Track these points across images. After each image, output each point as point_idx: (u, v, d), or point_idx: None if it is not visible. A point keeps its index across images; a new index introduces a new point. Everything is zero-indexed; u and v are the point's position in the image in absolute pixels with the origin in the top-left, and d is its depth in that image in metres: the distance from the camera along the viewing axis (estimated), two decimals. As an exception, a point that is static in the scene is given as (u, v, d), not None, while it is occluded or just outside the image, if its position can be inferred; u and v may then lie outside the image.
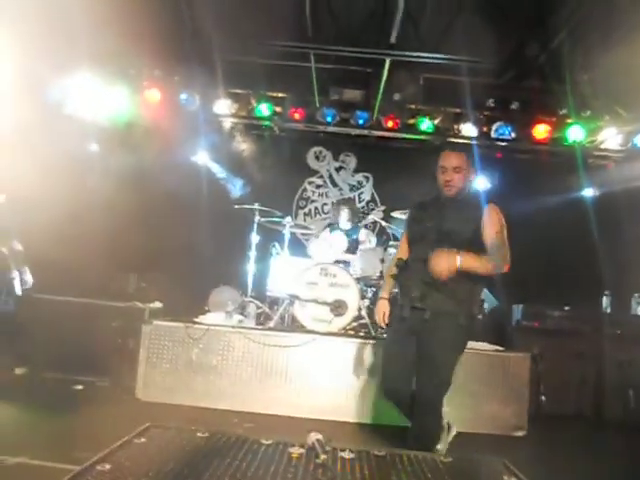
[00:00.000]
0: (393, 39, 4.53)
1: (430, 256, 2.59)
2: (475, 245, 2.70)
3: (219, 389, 3.77)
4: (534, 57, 4.85)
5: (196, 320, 4.12)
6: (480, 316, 4.36)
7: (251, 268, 4.98)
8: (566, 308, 4.66)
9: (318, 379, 3.78)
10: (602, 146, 5.75)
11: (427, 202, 2.96)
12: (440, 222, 2.77)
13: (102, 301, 4.44)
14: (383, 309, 2.92)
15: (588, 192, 6.10)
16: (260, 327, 4.22)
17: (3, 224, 4.27)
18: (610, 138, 5.65)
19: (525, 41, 4.74)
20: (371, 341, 3.84)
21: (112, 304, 4.43)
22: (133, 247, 5.54)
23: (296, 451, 1.71)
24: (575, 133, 5.57)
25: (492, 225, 2.78)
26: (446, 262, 2.56)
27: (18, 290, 4.22)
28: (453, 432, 2.86)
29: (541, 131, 5.62)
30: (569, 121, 5.57)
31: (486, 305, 4.37)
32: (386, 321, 2.89)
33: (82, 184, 5.55)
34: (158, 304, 4.60)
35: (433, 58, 4.93)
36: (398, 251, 3.01)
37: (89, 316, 4.30)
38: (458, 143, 5.78)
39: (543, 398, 4.21)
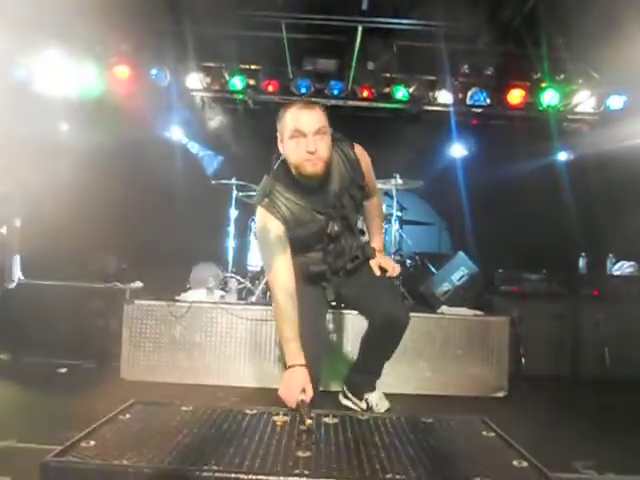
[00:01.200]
0: (365, 6, 4.47)
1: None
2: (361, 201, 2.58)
3: (204, 365, 3.79)
4: (508, 21, 4.82)
5: (178, 298, 4.11)
6: (460, 282, 4.43)
7: (231, 243, 4.97)
8: (543, 271, 4.74)
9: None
10: (576, 110, 5.79)
11: (285, 198, 2.31)
12: (329, 217, 2.37)
13: (83, 283, 4.40)
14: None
15: (563, 156, 6.17)
16: (242, 302, 4.23)
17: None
18: (584, 101, 5.68)
19: (499, 5, 4.72)
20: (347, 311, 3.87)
21: (93, 285, 4.39)
22: (111, 228, 5.47)
23: (280, 419, 1.73)
24: (549, 97, 5.59)
25: (369, 169, 2.54)
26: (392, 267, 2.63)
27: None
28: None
29: (515, 96, 5.63)
30: (543, 85, 5.58)
31: (465, 271, 4.42)
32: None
33: (54, 164, 5.44)
34: (139, 284, 4.57)
35: (406, 24, 4.87)
36: (282, 294, 2.23)
37: (70, 299, 4.27)
38: (434, 111, 5.79)
39: (523, 360, 4.31)
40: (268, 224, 2.28)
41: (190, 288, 4.57)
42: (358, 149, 2.45)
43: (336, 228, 2.39)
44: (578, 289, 4.68)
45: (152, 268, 5.02)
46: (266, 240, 2.29)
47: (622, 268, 5.03)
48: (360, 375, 2.78)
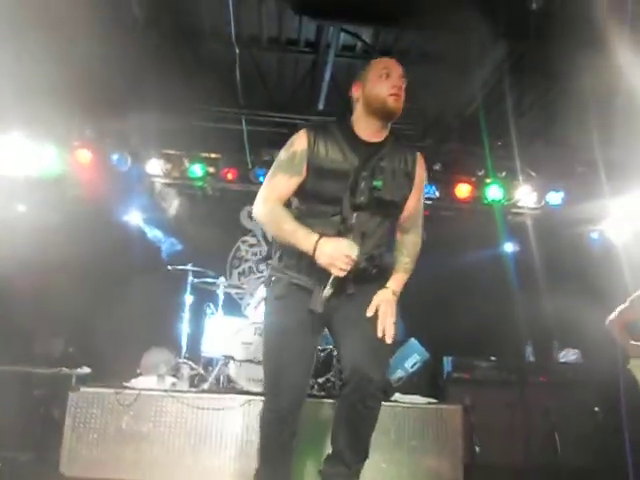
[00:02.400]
0: (321, 105, 4.78)
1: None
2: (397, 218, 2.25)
3: (150, 460, 3.59)
4: (451, 123, 5.25)
5: (127, 385, 3.98)
6: (413, 369, 4.48)
7: (185, 329, 4.90)
8: (492, 359, 4.86)
9: (255, 444, 3.70)
10: (519, 204, 6.18)
11: (331, 134, 2.15)
12: (372, 175, 2.08)
13: (25, 367, 4.21)
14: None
15: (508, 247, 6.49)
16: (194, 390, 4.13)
17: None
18: (525, 196, 6.08)
19: (442, 110, 5.14)
20: (309, 399, 3.83)
21: (36, 371, 4.21)
22: (61, 309, 5.35)
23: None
24: (494, 192, 5.98)
25: (422, 187, 2.30)
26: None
27: None
28: None
29: (463, 190, 6.00)
30: (488, 181, 5.98)
31: (418, 358, 4.49)
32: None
33: (8, 243, 5.35)
34: (86, 369, 4.41)
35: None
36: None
37: (9, 384, 4.07)
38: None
39: (477, 448, 4.31)
40: (295, 141, 2.15)
41: (141, 374, 4.44)
42: (420, 156, 2.27)
43: (362, 199, 2.03)
44: (527, 377, 4.79)
45: (102, 352, 4.88)
46: (281, 155, 2.16)
47: (567, 355, 5.20)
48: (330, 466, 2.17)
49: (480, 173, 5.94)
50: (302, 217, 2.12)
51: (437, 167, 5.92)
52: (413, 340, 4.64)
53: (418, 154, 2.26)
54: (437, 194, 5.99)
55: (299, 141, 2.13)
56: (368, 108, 2.13)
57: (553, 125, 5.44)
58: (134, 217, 6.19)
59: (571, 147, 5.56)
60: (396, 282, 2.23)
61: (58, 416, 3.83)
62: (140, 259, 5.77)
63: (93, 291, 5.47)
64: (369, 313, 2.11)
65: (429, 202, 6.06)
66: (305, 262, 2.08)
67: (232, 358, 4.15)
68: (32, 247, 5.31)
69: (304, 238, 2.03)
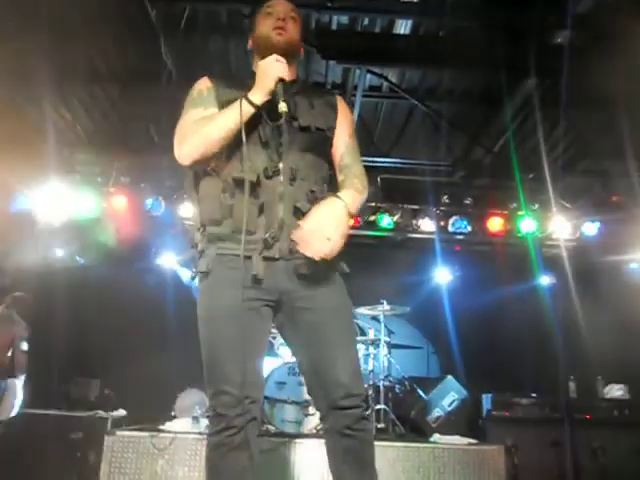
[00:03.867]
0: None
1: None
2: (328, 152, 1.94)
3: (185, 503, 3.57)
4: (480, 159, 5.24)
5: (161, 428, 3.97)
6: (451, 408, 4.36)
7: (219, 369, 4.89)
8: (533, 395, 4.69)
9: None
10: (553, 236, 6.06)
11: (239, 80, 1.98)
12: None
13: (61, 412, 4.26)
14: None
15: (544, 280, 6.34)
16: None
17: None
18: (560, 228, 5.97)
19: (470, 146, 5.16)
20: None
21: (72, 414, 4.25)
22: (97, 352, 5.43)
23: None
24: (527, 225, 5.88)
25: (350, 123, 2.02)
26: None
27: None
28: None
29: (495, 224, 5.92)
30: (520, 213, 5.90)
31: (456, 396, 4.37)
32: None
33: (46, 287, 5.51)
34: (122, 412, 4.43)
35: (386, 162, 5.27)
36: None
37: (46, 428, 4.10)
38: (418, 238, 6.05)
39: (522, 492, 4.13)
40: (197, 84, 1.93)
41: (175, 416, 4.44)
42: (340, 98, 2.04)
43: (285, 109, 1.70)
44: (571, 414, 4.60)
45: (137, 394, 4.90)
46: (188, 99, 1.91)
47: (612, 391, 4.99)
48: None
49: (512, 206, 5.87)
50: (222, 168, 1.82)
51: (468, 201, 5.88)
52: (450, 378, 4.53)
53: (336, 95, 2.04)
54: (469, 228, 5.93)
55: (202, 82, 1.93)
56: (258, 51, 1.94)
57: (586, 155, 5.38)
58: (168, 260, 6.31)
59: (605, 176, 5.48)
60: (348, 195, 1.81)
61: (94, 460, 3.84)
62: (174, 301, 5.84)
63: (128, 333, 5.55)
64: (330, 305, 1.77)
65: (461, 237, 6.01)
66: (234, 222, 1.73)
67: (266, 398, 4.12)
68: (68, 290, 5.45)
69: (231, 109, 1.75)
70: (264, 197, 1.75)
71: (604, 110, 4.37)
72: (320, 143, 1.88)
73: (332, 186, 1.92)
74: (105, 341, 5.56)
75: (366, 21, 4.03)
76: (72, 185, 5.51)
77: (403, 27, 4.03)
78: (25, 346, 4.35)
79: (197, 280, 1.85)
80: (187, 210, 5.86)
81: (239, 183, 1.74)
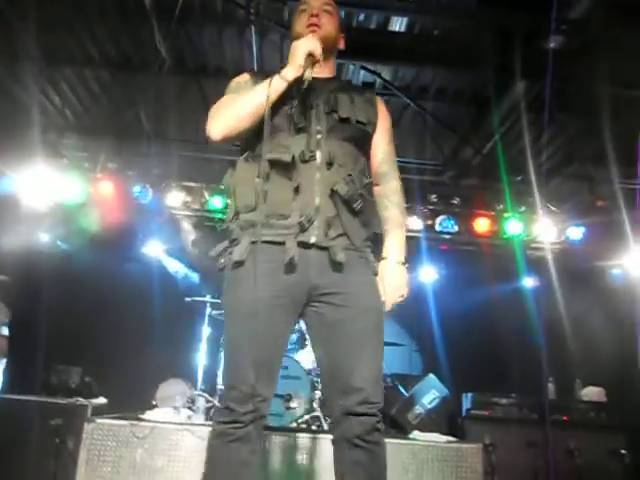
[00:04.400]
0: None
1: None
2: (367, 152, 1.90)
3: (164, 494, 3.56)
4: (469, 160, 5.28)
5: (142, 417, 3.96)
6: (431, 406, 4.39)
7: (201, 360, 4.89)
8: (513, 396, 4.75)
9: (270, 478, 3.65)
10: (539, 239, 6.12)
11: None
12: (327, 102, 1.82)
13: (41, 397, 4.22)
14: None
15: (528, 282, 6.40)
16: (209, 423, 4.09)
17: None
18: (545, 231, 6.04)
19: (460, 146, 5.19)
20: (323, 435, 3.78)
21: (51, 400, 4.21)
22: (79, 339, 5.39)
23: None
24: (513, 227, 5.94)
25: (388, 124, 1.97)
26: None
27: None
28: None
29: (481, 225, 5.97)
30: (507, 215, 5.96)
31: (437, 394, 4.40)
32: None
33: (28, 273, 5.46)
34: (102, 400, 4.41)
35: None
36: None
37: (24, 415, 4.07)
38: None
39: (498, 490, 4.17)
40: (236, 78, 1.96)
41: (156, 405, 4.42)
42: (381, 100, 2.00)
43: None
44: (549, 415, 4.66)
45: (118, 382, 4.88)
46: (226, 90, 1.94)
47: (590, 393, 5.06)
48: None
49: (499, 207, 5.92)
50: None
51: (455, 201, 5.92)
52: (431, 376, 4.56)
53: (376, 95, 2.02)
54: (456, 228, 5.97)
55: (241, 75, 1.96)
56: None
57: (572, 160, 5.44)
58: (154, 249, 6.27)
59: (591, 181, 5.54)
60: (394, 246, 1.85)
61: (73, 447, 3.82)
62: (158, 290, 5.82)
63: (110, 321, 5.52)
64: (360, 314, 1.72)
65: (448, 236, 6.05)
66: (267, 206, 1.69)
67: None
68: (51, 277, 5.41)
69: (262, 85, 1.75)
70: (299, 180, 1.71)
71: (591, 115, 4.41)
72: (360, 136, 1.85)
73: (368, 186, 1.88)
74: (88, 328, 5.51)
75: (362, 17, 4.02)
76: (59, 170, 5.45)
77: (398, 24, 4.04)
78: (5, 330, 4.31)
79: (226, 270, 1.80)
80: (174, 199, 5.85)
81: (273, 165, 1.72)
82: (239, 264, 1.71)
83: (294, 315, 1.77)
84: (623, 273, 5.98)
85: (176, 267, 6.35)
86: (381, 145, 1.92)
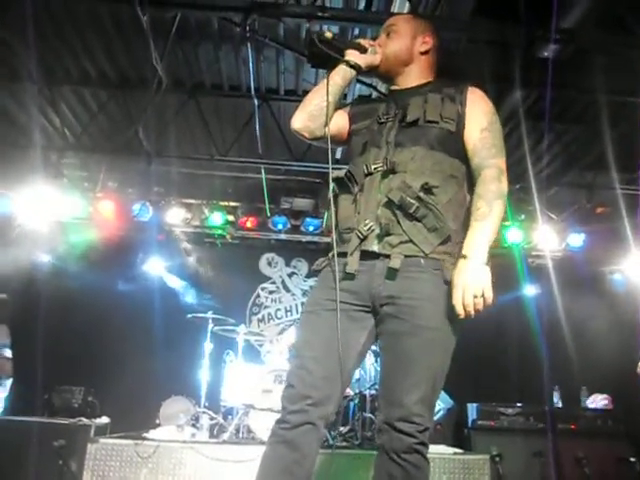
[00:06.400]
0: (339, 154, 4.86)
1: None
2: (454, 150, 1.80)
3: (169, 515, 3.52)
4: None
5: (145, 436, 3.92)
6: (437, 417, 4.37)
7: (204, 377, 4.86)
8: (518, 405, 4.71)
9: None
10: (539, 247, 6.12)
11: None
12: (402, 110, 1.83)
13: (43, 418, 4.19)
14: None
15: (529, 290, 6.39)
16: (213, 440, 4.06)
17: None
18: (545, 239, 6.04)
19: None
20: (329, 450, 3.74)
21: (54, 421, 4.18)
22: (80, 359, 5.37)
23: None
24: (513, 235, 5.95)
25: (484, 116, 1.83)
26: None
27: None
28: None
29: (482, 233, 5.96)
30: (507, 223, 5.96)
31: (442, 405, 4.37)
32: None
33: (30, 294, 5.45)
34: (105, 419, 4.38)
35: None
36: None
37: (27, 436, 4.03)
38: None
39: (506, 501, 4.12)
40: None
41: (160, 424, 4.39)
42: (472, 87, 1.88)
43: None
44: (555, 424, 4.63)
45: (121, 401, 4.85)
46: None
47: (596, 401, 5.03)
48: None
49: (499, 216, 5.92)
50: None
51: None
52: (436, 387, 4.54)
53: (468, 85, 1.87)
54: (455, 237, 5.96)
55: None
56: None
57: (572, 167, 5.45)
58: (155, 266, 6.27)
59: (591, 188, 5.55)
60: (467, 244, 1.69)
61: (76, 468, 3.78)
62: (159, 308, 5.81)
63: (112, 340, 5.50)
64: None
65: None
66: (337, 221, 1.80)
67: (252, 407, 4.09)
68: (53, 296, 5.40)
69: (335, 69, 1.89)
70: (362, 194, 1.78)
71: (589, 123, 4.43)
72: (434, 136, 1.77)
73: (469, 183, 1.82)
74: (89, 347, 5.50)
75: (357, 31, 4.05)
76: (59, 189, 5.47)
77: (394, 37, 4.05)
78: (8, 352, 4.30)
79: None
80: (174, 216, 5.86)
81: (339, 182, 1.85)
82: (316, 273, 1.85)
83: (363, 325, 1.74)
84: (624, 278, 5.98)
85: (178, 284, 6.35)
86: (473, 136, 1.80)
